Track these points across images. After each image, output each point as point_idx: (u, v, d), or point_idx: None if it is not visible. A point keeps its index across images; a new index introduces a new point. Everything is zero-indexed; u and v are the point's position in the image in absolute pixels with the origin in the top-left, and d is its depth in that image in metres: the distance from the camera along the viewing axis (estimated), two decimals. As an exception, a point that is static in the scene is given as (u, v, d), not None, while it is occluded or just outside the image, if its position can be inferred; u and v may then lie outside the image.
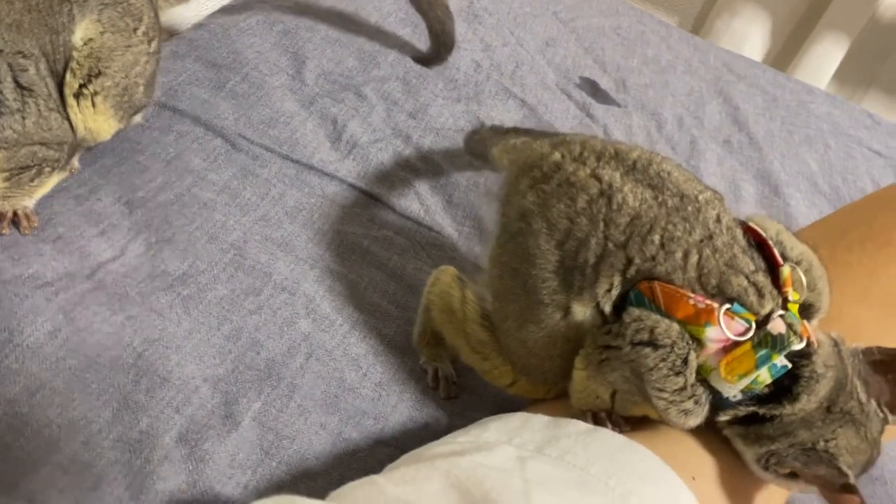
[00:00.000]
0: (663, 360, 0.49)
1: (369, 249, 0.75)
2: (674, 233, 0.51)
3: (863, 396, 0.51)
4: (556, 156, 0.57)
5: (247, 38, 0.92)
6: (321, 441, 0.60)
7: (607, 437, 0.52)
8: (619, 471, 0.48)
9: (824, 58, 1.32)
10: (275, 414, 0.61)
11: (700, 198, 0.54)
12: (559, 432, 0.51)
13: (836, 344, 0.52)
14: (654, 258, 0.51)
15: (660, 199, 0.53)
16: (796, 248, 0.55)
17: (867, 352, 0.53)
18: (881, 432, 0.52)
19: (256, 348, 0.64)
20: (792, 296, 0.51)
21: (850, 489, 0.45)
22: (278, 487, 0.57)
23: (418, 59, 0.99)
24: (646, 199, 0.53)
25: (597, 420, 0.54)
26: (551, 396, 0.59)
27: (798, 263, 0.53)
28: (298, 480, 0.58)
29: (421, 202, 0.82)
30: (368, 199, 0.81)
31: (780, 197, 1.00)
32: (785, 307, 0.50)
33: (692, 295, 0.50)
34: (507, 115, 0.97)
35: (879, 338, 0.55)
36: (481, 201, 0.83)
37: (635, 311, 0.51)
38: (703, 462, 0.53)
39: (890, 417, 0.52)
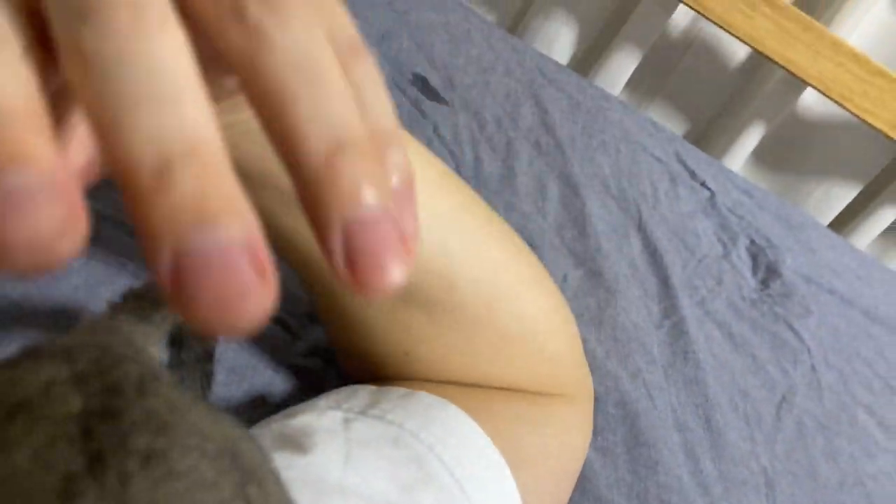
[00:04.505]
0: None
1: None
2: None
3: None
4: None
5: None
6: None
7: (422, 398, 0.59)
8: (430, 424, 0.55)
9: (621, 65, 1.49)
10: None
11: None
12: (381, 397, 0.59)
13: None
14: None
15: None
16: None
17: None
18: None
19: None
20: None
21: None
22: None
23: None
24: None
25: None
26: None
27: None
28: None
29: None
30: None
31: (578, 197, 1.15)
32: None
33: None
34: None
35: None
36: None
37: None
38: (504, 409, 0.61)
39: None
